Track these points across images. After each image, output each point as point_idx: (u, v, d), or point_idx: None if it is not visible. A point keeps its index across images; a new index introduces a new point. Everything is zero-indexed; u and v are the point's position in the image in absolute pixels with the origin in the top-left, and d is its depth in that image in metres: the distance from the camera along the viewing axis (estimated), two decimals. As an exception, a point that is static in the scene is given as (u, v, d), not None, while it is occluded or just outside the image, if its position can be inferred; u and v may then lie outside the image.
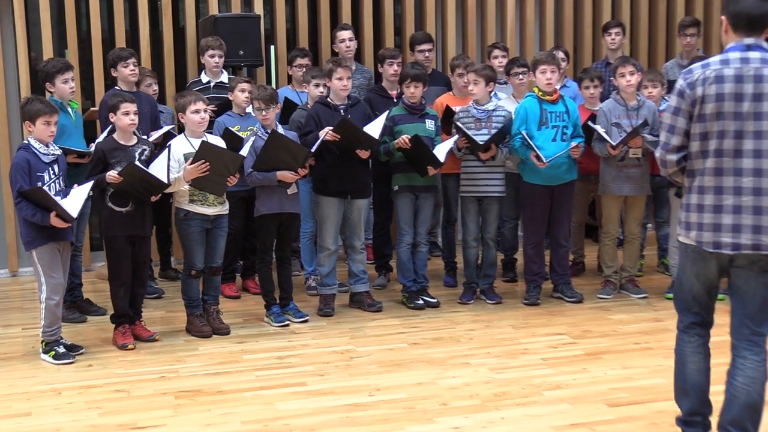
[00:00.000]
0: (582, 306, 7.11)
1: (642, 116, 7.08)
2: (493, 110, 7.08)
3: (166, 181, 6.07)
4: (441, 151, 6.82)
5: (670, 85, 7.56)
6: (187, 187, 6.26)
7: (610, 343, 6.23)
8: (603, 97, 7.51)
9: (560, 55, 8.06)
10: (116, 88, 7.08)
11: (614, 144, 6.87)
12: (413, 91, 6.96)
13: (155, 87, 7.71)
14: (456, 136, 6.90)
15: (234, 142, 6.57)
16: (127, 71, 7.12)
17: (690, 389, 4.38)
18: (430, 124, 7.02)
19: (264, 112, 6.52)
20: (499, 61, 7.96)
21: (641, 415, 4.96)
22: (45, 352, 6.02)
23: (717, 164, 4.09)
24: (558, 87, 7.25)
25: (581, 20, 9.58)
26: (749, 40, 4.14)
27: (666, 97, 7.29)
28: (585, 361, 5.88)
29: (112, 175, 5.91)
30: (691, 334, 4.44)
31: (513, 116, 7.05)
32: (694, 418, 4.35)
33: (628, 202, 7.26)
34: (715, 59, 4.22)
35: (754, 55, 4.11)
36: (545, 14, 9.50)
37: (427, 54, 8.03)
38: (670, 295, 7.18)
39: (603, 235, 7.43)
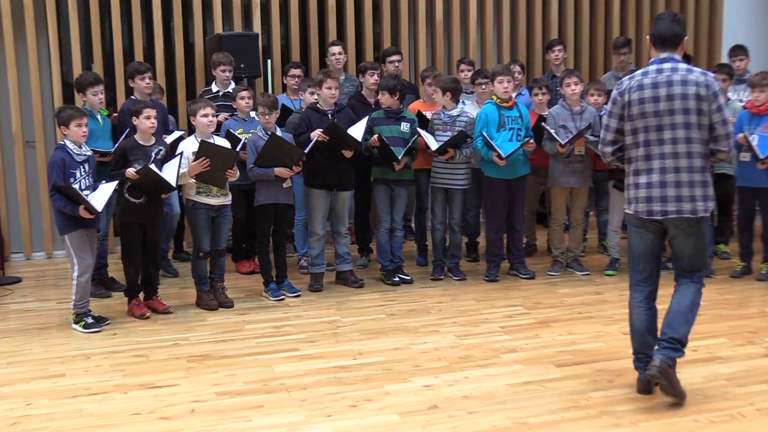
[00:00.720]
0: (534, 282, 7.15)
1: (585, 119, 7.11)
2: (458, 115, 7.10)
3: (174, 184, 6.15)
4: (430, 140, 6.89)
5: (609, 94, 7.62)
6: (193, 180, 6.28)
7: (557, 313, 6.27)
8: (550, 104, 7.51)
9: (516, 68, 8.08)
10: (132, 97, 7.04)
11: (563, 143, 6.91)
12: (386, 99, 6.98)
13: (163, 99, 7.67)
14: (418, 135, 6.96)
15: (233, 142, 6.60)
16: (143, 84, 7.09)
17: (634, 334, 4.81)
18: (405, 126, 7.00)
19: (267, 117, 6.57)
20: (465, 74, 7.98)
21: (584, 374, 5.00)
22: (76, 322, 6.04)
23: (646, 152, 4.66)
24: (514, 95, 7.27)
25: (533, 38, 9.58)
26: (664, 55, 4.73)
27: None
28: (536, 328, 5.92)
29: (130, 171, 6.00)
30: (637, 290, 4.83)
31: (474, 121, 7.07)
32: (638, 355, 4.76)
33: (573, 193, 7.30)
34: (638, 71, 4.83)
35: (666, 65, 4.69)
36: (502, 32, 9.50)
37: (396, 64, 8.03)
38: (609, 272, 7.30)
39: (552, 222, 7.47)
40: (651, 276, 4.79)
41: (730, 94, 7.67)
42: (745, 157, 6.87)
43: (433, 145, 6.86)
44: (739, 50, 8.42)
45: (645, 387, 4.72)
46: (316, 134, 6.58)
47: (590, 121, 7.12)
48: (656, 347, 4.59)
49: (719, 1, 10.22)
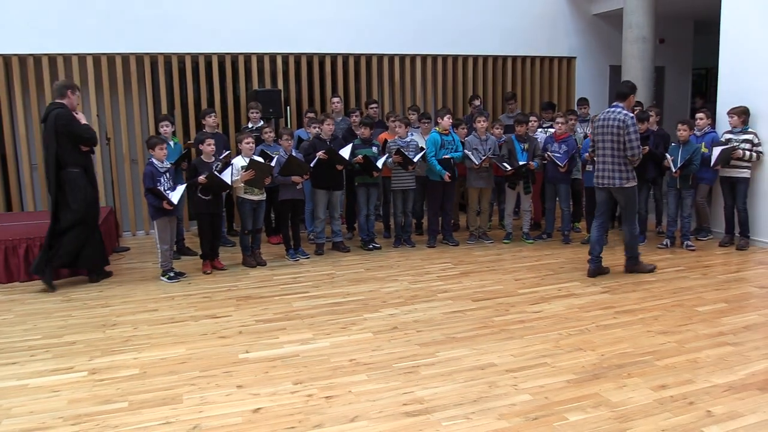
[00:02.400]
0: (457, 248, 7.14)
1: (488, 145, 7.12)
2: (409, 141, 7.07)
3: (229, 182, 6.12)
4: (380, 163, 6.84)
5: (507, 128, 7.62)
6: (242, 184, 6.23)
7: (473, 267, 6.27)
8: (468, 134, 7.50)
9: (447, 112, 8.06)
10: (204, 130, 6.98)
11: (477, 163, 6.94)
12: (363, 131, 6.95)
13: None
14: (386, 156, 6.91)
15: (265, 158, 6.51)
16: (210, 120, 7.07)
17: (591, 245, 5.88)
18: (375, 149, 6.99)
19: (288, 142, 6.58)
20: (414, 117, 7.92)
21: (490, 306, 5.02)
22: (163, 275, 5.99)
23: (598, 153, 5.82)
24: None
25: (457, 92, 9.59)
26: (615, 103, 5.74)
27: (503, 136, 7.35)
28: (460, 277, 5.92)
29: (201, 178, 5.96)
30: (597, 221, 5.94)
31: (422, 145, 7.05)
32: (591, 255, 5.86)
33: (482, 191, 7.29)
34: (602, 112, 5.90)
35: (613, 109, 5.69)
36: (437, 88, 9.50)
37: (375, 109, 7.99)
38: (505, 241, 7.32)
39: (468, 209, 7.46)
40: (606, 215, 5.99)
41: (578, 129, 7.71)
42: (589, 168, 6.91)
43: (379, 162, 6.84)
44: (583, 100, 8.48)
45: (592, 274, 5.83)
46: (320, 155, 6.58)
47: (492, 146, 7.14)
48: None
49: (573, 68, 10.27)
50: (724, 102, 7.07)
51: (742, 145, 6.67)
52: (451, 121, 7.04)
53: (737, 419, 3.17)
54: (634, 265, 5.97)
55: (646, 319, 4.68)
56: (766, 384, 3.56)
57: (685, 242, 6.85)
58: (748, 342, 4.20)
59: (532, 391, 3.51)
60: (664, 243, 6.92)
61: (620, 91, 5.74)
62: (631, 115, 5.64)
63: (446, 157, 6.97)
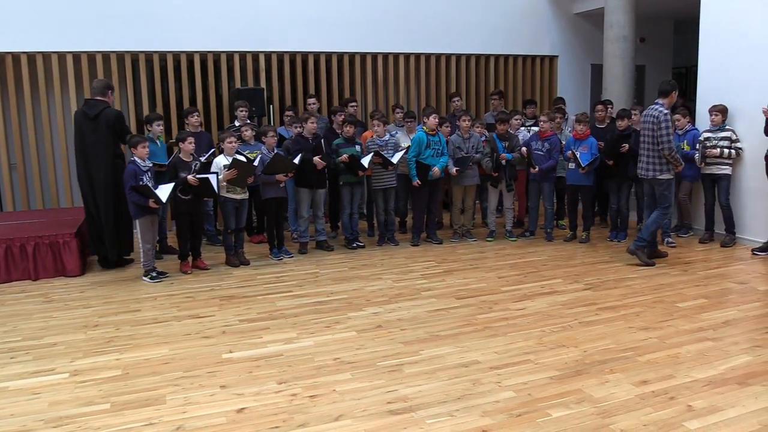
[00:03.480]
0: (441, 246, 7.16)
1: (471, 143, 7.14)
2: (388, 140, 7.07)
3: (216, 191, 6.09)
4: (365, 161, 6.82)
5: (489, 126, 7.64)
6: (225, 183, 6.20)
7: (457, 265, 6.29)
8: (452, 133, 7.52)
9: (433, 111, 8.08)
10: (186, 129, 6.93)
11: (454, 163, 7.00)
12: (348, 130, 6.93)
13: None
14: (370, 155, 6.90)
15: (246, 158, 6.46)
16: (193, 120, 7.05)
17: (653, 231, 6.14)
18: (357, 147, 6.99)
19: (272, 139, 6.58)
20: (398, 114, 7.94)
21: (473, 303, 5.04)
22: (145, 275, 5.95)
23: (641, 147, 6.16)
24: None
25: (440, 90, 9.60)
26: (657, 100, 6.04)
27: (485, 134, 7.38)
28: (444, 275, 5.93)
29: (191, 178, 5.94)
30: (649, 212, 6.40)
31: (403, 144, 7.06)
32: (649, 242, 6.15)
33: (466, 189, 7.32)
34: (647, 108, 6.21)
35: (653, 106, 6.02)
36: (420, 87, 9.50)
37: (354, 108, 7.98)
38: (489, 239, 7.35)
39: (453, 207, 7.47)
40: (652, 204, 6.35)
41: (564, 127, 7.75)
42: (572, 165, 6.96)
43: (365, 161, 6.84)
44: (559, 100, 8.56)
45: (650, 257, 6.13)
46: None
47: (475, 144, 7.16)
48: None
49: (555, 66, 10.33)
50: (704, 100, 7.15)
51: (721, 143, 6.73)
52: (436, 120, 7.03)
53: (717, 413, 3.21)
54: (638, 248, 6.12)
55: (628, 315, 4.72)
56: (745, 378, 3.61)
57: (666, 239, 6.92)
58: (727, 337, 4.25)
59: (516, 387, 3.53)
60: (645, 240, 6.99)
61: (662, 89, 6.09)
62: (666, 111, 5.94)
63: (434, 168, 6.96)
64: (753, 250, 6.54)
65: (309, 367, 3.87)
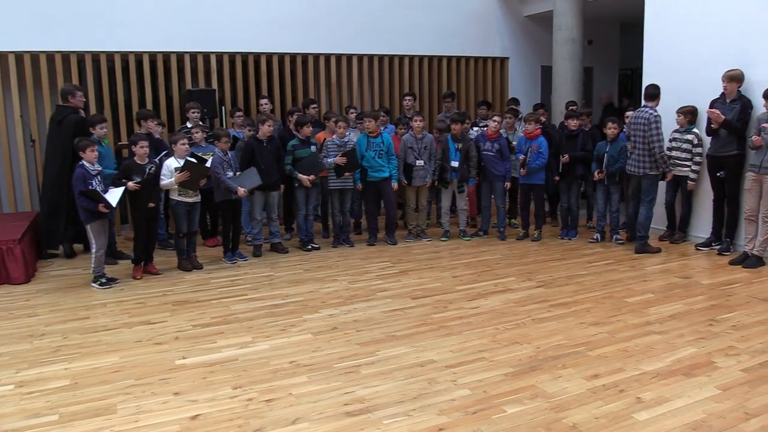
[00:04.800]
0: (396, 246, 7.18)
1: (424, 143, 7.19)
2: (346, 141, 7.07)
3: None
4: (329, 161, 6.82)
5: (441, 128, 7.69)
6: (176, 186, 6.08)
7: (412, 265, 6.32)
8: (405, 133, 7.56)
9: (383, 111, 8.11)
10: (140, 132, 6.78)
11: (415, 162, 7.03)
12: (306, 130, 6.89)
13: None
14: (324, 157, 6.91)
15: (199, 160, 6.35)
16: (152, 125, 6.91)
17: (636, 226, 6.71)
18: (313, 148, 6.96)
19: (226, 144, 6.46)
20: (352, 114, 7.94)
21: (429, 303, 5.08)
22: (94, 281, 5.78)
23: (634, 146, 6.61)
24: (381, 128, 7.31)
25: (393, 91, 9.64)
26: (645, 103, 6.58)
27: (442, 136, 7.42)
28: (399, 275, 5.96)
29: (131, 184, 5.80)
30: (634, 205, 6.81)
31: (356, 146, 7.08)
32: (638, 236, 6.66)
33: (419, 189, 7.35)
34: (636, 110, 6.78)
35: (643, 108, 6.55)
36: (374, 87, 9.52)
37: (314, 109, 7.95)
38: (443, 239, 7.39)
39: (407, 207, 7.48)
40: (636, 198, 6.72)
41: (517, 127, 7.87)
42: (523, 172, 7.08)
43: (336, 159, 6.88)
44: (513, 101, 8.70)
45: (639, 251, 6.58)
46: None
47: (427, 145, 7.21)
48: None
49: (506, 68, 10.48)
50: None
51: (684, 145, 6.78)
52: (372, 123, 7.04)
53: (664, 404, 3.31)
54: (643, 246, 6.61)
55: (579, 311, 4.83)
56: (690, 369, 3.73)
57: (614, 236, 7.10)
58: (673, 330, 4.39)
59: (471, 385, 3.57)
60: (595, 237, 7.16)
61: (649, 92, 6.64)
62: (657, 114, 6.48)
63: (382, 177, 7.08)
64: (696, 245, 6.76)
65: (264, 371, 3.83)
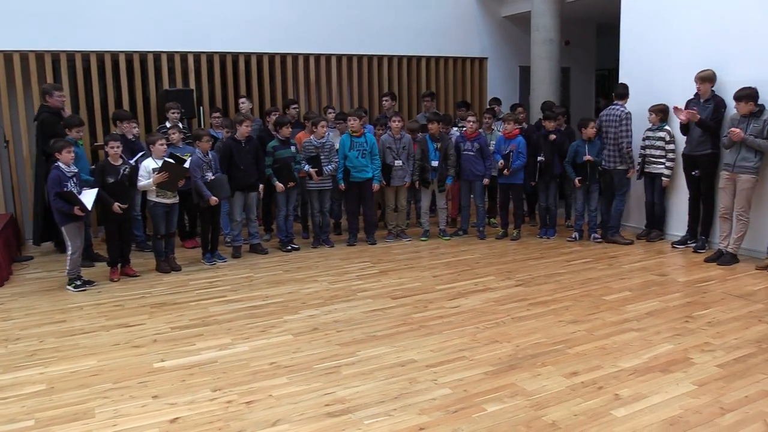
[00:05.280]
0: (376, 246, 7.18)
1: (402, 144, 7.20)
2: (325, 141, 7.05)
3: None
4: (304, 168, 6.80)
5: (422, 128, 7.71)
6: (154, 187, 6.02)
7: (392, 265, 6.32)
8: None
9: (362, 111, 8.09)
10: (116, 132, 6.71)
11: (394, 162, 7.03)
12: (285, 131, 6.86)
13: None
14: (304, 164, 6.91)
15: (178, 160, 6.30)
16: (128, 126, 6.90)
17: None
18: (293, 149, 6.94)
19: (207, 143, 6.42)
20: (331, 115, 7.92)
21: (409, 303, 5.08)
22: (68, 284, 5.71)
23: (606, 142, 6.97)
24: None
25: (372, 91, 9.63)
26: (615, 101, 6.95)
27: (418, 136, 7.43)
28: (379, 275, 5.96)
29: (116, 208, 5.82)
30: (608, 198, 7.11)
31: (337, 147, 7.07)
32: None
33: (398, 189, 7.35)
34: (606, 108, 7.19)
35: (614, 107, 6.91)
36: (353, 88, 9.50)
37: (295, 110, 7.92)
38: (423, 238, 7.41)
39: (387, 207, 7.48)
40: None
41: (494, 127, 7.92)
42: (505, 173, 7.11)
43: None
44: (495, 100, 8.73)
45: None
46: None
47: (406, 145, 7.22)
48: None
49: (485, 68, 10.53)
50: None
51: (657, 143, 6.89)
52: (356, 122, 7.04)
53: (642, 400, 3.35)
54: (613, 235, 7.03)
55: (558, 309, 4.87)
56: (667, 366, 3.78)
57: (592, 235, 7.17)
58: (650, 327, 4.45)
59: (452, 384, 3.58)
60: (573, 236, 7.22)
61: (620, 92, 7.07)
62: (627, 111, 6.91)
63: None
64: (673, 243, 6.86)
65: (244, 372, 3.81)
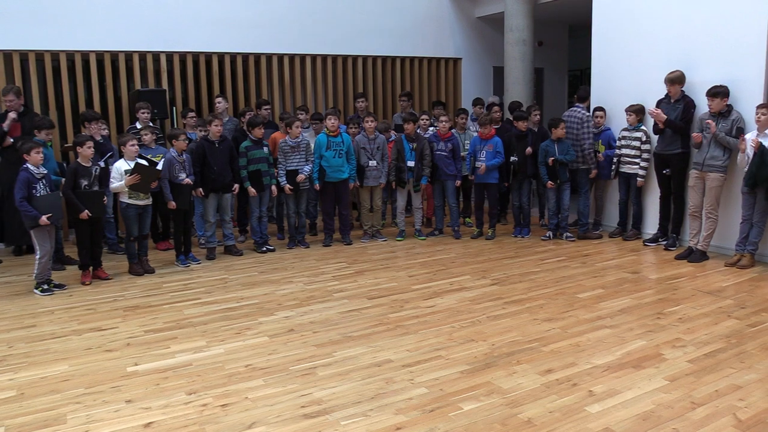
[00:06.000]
0: (352, 246, 7.17)
1: (377, 144, 7.20)
2: (300, 141, 7.02)
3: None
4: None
5: (397, 128, 7.73)
6: (126, 189, 5.95)
7: (368, 265, 6.32)
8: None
9: (337, 111, 8.08)
10: (85, 133, 6.60)
11: (368, 163, 7.03)
12: (256, 132, 6.81)
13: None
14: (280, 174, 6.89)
15: (150, 161, 6.22)
16: (95, 127, 6.77)
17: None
18: (266, 149, 6.90)
19: (184, 143, 6.40)
20: (304, 116, 7.89)
21: (385, 303, 5.08)
22: (36, 288, 5.62)
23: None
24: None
25: (347, 92, 9.62)
26: (576, 104, 7.26)
27: (394, 134, 7.44)
28: (355, 276, 5.95)
29: (83, 215, 5.71)
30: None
31: (312, 146, 7.05)
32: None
33: (373, 189, 7.35)
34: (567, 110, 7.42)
35: (575, 109, 7.20)
36: (328, 88, 9.48)
37: (267, 110, 7.88)
38: (399, 238, 7.41)
39: (361, 208, 7.49)
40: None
41: (470, 127, 7.96)
42: (479, 165, 7.17)
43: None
44: (478, 101, 8.80)
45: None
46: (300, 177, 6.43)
47: (380, 145, 7.22)
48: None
49: (459, 68, 10.59)
50: (597, 101, 7.54)
51: (634, 143, 6.96)
52: (336, 122, 7.03)
53: (615, 396, 3.39)
54: (585, 232, 7.28)
55: (533, 307, 4.91)
56: (640, 362, 3.84)
57: (565, 234, 7.24)
58: (623, 324, 4.51)
59: (428, 384, 3.59)
60: (547, 235, 7.29)
61: (581, 95, 7.43)
62: (588, 114, 7.21)
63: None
64: (644, 241, 6.96)
65: (220, 375, 3.78)
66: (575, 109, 7.28)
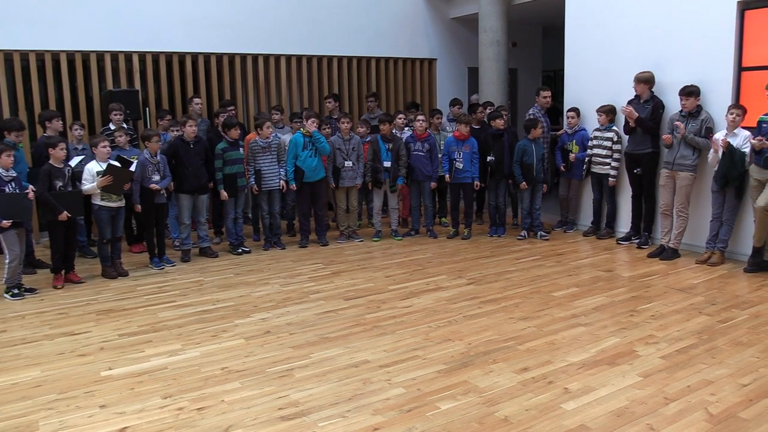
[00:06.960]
0: (328, 247, 7.16)
1: (352, 144, 7.19)
2: (271, 141, 6.98)
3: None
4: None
5: (374, 129, 7.72)
6: (99, 191, 5.87)
7: (345, 266, 6.31)
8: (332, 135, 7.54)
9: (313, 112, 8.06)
10: (45, 135, 6.48)
11: (344, 164, 7.02)
12: (232, 133, 6.76)
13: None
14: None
15: (122, 163, 6.13)
16: (58, 124, 6.66)
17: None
18: (241, 150, 6.85)
19: (157, 144, 6.32)
20: (278, 117, 7.86)
21: (362, 304, 5.08)
22: (6, 292, 5.51)
23: None
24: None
25: (322, 92, 9.57)
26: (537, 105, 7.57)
27: (368, 136, 7.44)
28: (331, 277, 5.94)
29: (62, 217, 5.66)
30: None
31: (287, 146, 7.02)
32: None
33: (349, 190, 7.34)
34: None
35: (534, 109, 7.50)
36: (303, 88, 9.44)
37: (233, 111, 7.80)
38: (375, 239, 7.42)
39: (337, 208, 7.46)
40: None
41: (447, 128, 7.98)
42: (458, 165, 7.20)
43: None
44: (456, 101, 8.83)
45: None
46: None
47: (355, 146, 7.22)
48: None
49: (434, 69, 10.62)
50: (570, 101, 7.63)
51: (605, 143, 7.04)
52: (315, 123, 7.01)
53: (590, 393, 3.43)
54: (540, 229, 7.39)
55: (508, 306, 4.95)
56: (614, 359, 3.89)
57: (539, 233, 7.31)
58: (597, 322, 4.56)
59: (405, 384, 3.60)
60: (522, 234, 7.35)
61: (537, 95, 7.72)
62: (543, 113, 7.52)
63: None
64: (617, 240, 7.05)
65: (195, 378, 3.74)
66: (534, 109, 7.61)
